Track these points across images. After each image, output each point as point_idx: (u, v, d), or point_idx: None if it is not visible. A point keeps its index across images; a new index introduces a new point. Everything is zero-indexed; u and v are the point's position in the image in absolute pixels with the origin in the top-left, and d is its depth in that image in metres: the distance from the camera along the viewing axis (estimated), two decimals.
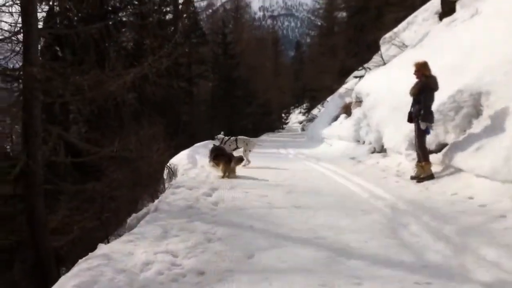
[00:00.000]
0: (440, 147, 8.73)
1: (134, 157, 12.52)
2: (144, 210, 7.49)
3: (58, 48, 23.76)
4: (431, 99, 8.26)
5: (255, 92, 45.34)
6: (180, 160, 12.43)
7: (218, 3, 44.75)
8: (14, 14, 9.82)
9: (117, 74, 10.93)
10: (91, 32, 11.87)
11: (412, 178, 8.49)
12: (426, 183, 7.86)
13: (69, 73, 10.75)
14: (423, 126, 8.20)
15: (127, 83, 10.72)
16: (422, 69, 8.51)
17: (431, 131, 8.40)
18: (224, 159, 9.70)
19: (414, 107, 8.52)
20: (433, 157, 8.47)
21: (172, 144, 15.54)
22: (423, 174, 8.24)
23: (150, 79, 11.64)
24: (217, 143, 12.11)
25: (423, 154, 8.33)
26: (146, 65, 11.06)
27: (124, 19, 28.32)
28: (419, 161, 8.43)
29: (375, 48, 24.06)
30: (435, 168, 8.20)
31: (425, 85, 8.31)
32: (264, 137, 37.59)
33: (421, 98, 8.27)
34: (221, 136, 12.84)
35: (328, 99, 30.52)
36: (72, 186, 11.81)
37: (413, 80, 8.71)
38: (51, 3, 22.89)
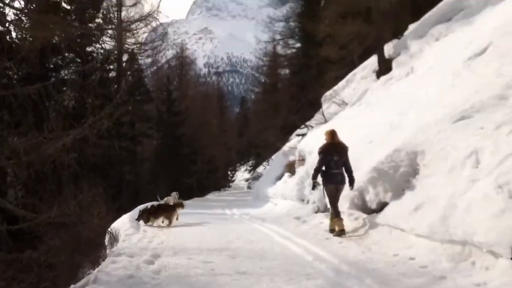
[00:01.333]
0: (381, 206, 8.86)
1: (73, 222, 12.05)
2: (83, 281, 7.12)
3: None
4: (328, 162, 9.51)
5: (200, 149, 45.27)
6: (122, 224, 12.06)
7: (163, 60, 44.96)
8: None
9: (56, 136, 10.63)
10: (30, 93, 11.56)
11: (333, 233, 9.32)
12: (368, 243, 7.92)
13: (5, 135, 10.40)
14: (319, 186, 9.94)
15: (66, 146, 10.44)
16: (326, 136, 9.93)
17: (317, 187, 9.92)
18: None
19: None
20: (374, 217, 8.58)
21: (114, 206, 15.12)
22: (337, 228, 9.16)
23: (91, 140, 11.37)
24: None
25: (333, 210, 9.49)
26: (86, 126, 10.82)
27: (65, 77, 28.04)
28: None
29: (317, 105, 24.68)
30: (377, 228, 8.30)
31: (321, 150, 9.69)
32: (210, 196, 37.31)
33: (317, 161, 9.75)
34: (174, 195, 12.94)
35: (273, 157, 30.82)
36: (7, 255, 11.20)
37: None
38: None
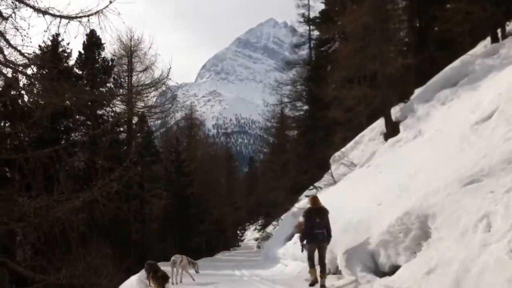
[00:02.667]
0: (394, 269, 8.74)
1: (82, 284, 11.94)
2: None
3: (6, 169, 23.35)
4: (311, 223, 10.97)
5: (209, 209, 45.10)
6: (130, 286, 11.95)
7: (172, 122, 45.63)
8: None
9: (65, 199, 10.70)
10: (41, 157, 11.73)
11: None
12: None
13: (16, 198, 10.49)
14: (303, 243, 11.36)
15: (76, 208, 10.49)
16: (310, 201, 11.72)
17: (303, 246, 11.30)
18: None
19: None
20: (387, 280, 8.45)
21: (122, 267, 14.99)
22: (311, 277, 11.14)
23: (100, 202, 11.43)
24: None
25: (309, 263, 11.25)
26: (96, 189, 10.91)
27: (76, 139, 28.44)
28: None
29: (326, 166, 24.76)
30: None
31: (305, 213, 11.35)
32: (219, 255, 36.83)
33: (303, 223, 11.41)
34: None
35: (282, 217, 30.60)
36: None
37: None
38: (2, 124, 22.88)
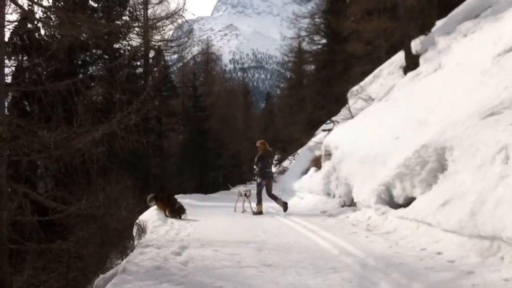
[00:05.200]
0: (408, 201, 8.82)
1: (102, 214, 12.30)
2: (112, 271, 7.29)
3: (26, 103, 23.61)
4: (265, 164, 13.70)
5: (226, 144, 45.51)
6: (149, 216, 12.26)
7: (189, 56, 45.28)
8: None
9: (85, 131, 10.83)
10: (59, 89, 11.78)
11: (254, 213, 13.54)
12: (395, 238, 7.90)
13: (36, 130, 10.64)
14: (258, 180, 13.87)
15: (95, 140, 10.64)
16: (261, 145, 13.87)
17: (262, 182, 13.67)
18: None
19: (257, 169, 13.84)
20: (401, 212, 8.55)
21: (142, 199, 15.33)
22: (257, 211, 13.48)
23: (119, 135, 11.55)
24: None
25: (258, 198, 13.60)
26: (114, 121, 10.99)
27: (93, 73, 28.45)
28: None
29: (343, 101, 24.57)
30: (404, 222, 8.28)
31: (260, 156, 13.67)
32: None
33: (259, 163, 13.62)
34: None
35: (298, 151, 30.79)
36: (38, 245, 11.47)
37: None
38: (20, 57, 22.92)
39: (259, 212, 13.46)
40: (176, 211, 12.38)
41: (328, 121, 24.56)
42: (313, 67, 45.33)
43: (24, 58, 23.09)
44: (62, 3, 14.02)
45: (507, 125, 6.95)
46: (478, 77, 10.08)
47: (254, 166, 14.11)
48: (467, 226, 6.17)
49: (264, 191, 13.83)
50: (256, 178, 14.25)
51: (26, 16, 12.85)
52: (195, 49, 47.99)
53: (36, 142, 10.31)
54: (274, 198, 13.86)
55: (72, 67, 26.17)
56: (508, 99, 7.61)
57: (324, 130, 24.27)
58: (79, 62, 28.36)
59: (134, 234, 11.50)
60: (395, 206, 9.28)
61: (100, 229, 12.72)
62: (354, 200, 11.73)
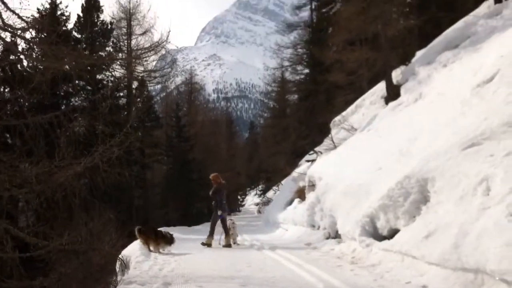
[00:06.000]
0: (393, 233, 8.81)
1: (84, 249, 12.07)
2: None
3: (7, 135, 23.36)
4: (221, 197, 13.78)
5: (210, 174, 45.28)
6: (132, 251, 12.11)
7: (172, 86, 45.40)
8: None
9: (67, 165, 10.72)
10: (41, 122, 11.68)
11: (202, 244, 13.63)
12: (380, 271, 7.86)
13: (17, 164, 10.50)
14: (219, 213, 13.72)
15: (77, 174, 10.54)
16: (215, 179, 14.03)
17: (224, 215, 13.73)
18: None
19: (214, 202, 13.99)
20: (386, 244, 8.54)
21: (125, 233, 15.12)
22: (206, 242, 13.57)
23: (101, 168, 11.46)
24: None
25: (211, 229, 13.74)
26: (97, 154, 10.91)
27: (76, 104, 28.34)
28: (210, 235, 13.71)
29: (326, 131, 24.73)
30: (389, 255, 8.26)
31: (216, 189, 13.76)
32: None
33: (216, 197, 13.75)
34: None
35: (283, 182, 30.82)
36: (18, 283, 11.21)
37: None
38: (1, 89, 22.78)
39: (209, 245, 13.61)
40: (168, 240, 12.43)
41: (312, 152, 24.65)
42: (296, 96, 45.70)
43: (6, 90, 22.95)
44: (45, 34, 14.01)
45: (487, 156, 7.04)
46: (458, 108, 10.23)
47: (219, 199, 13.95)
48: (451, 258, 6.17)
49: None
50: (216, 211, 13.99)
51: (9, 48, 12.81)
52: (179, 79, 48.13)
53: (18, 176, 10.19)
54: (226, 231, 13.83)
55: (55, 98, 26.07)
56: (488, 130, 7.72)
57: (308, 161, 24.33)
58: (62, 94, 28.25)
59: (117, 269, 11.31)
60: (380, 238, 9.27)
61: (82, 265, 12.47)
62: (339, 232, 11.70)
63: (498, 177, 6.41)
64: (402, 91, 17.15)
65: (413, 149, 10.14)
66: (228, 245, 13.42)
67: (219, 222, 13.88)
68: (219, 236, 14.10)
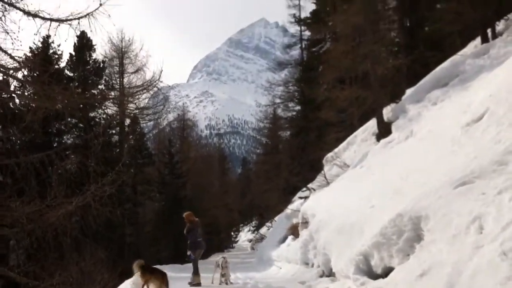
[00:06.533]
0: (387, 271, 8.75)
1: None
2: None
3: None
4: (195, 236, 13.68)
5: (202, 211, 45.00)
6: None
7: (165, 123, 45.51)
8: None
9: (58, 204, 10.69)
10: (33, 161, 11.67)
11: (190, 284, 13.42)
12: None
13: (8, 204, 10.45)
14: (188, 253, 13.86)
15: (68, 213, 10.49)
16: (189, 217, 13.94)
17: (194, 256, 13.60)
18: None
19: (187, 240, 13.79)
20: (380, 283, 8.47)
21: (116, 271, 14.97)
22: (195, 282, 13.33)
23: (93, 207, 11.43)
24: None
25: (194, 268, 13.58)
26: (88, 194, 10.91)
27: (68, 141, 28.29)
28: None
29: (319, 167, 24.79)
30: None
31: (189, 229, 13.66)
32: (213, 257, 36.78)
33: (188, 236, 13.65)
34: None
35: (276, 218, 30.72)
36: None
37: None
38: None
39: (197, 284, 13.42)
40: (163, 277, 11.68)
41: (304, 188, 24.66)
42: (288, 133, 45.93)
43: None
44: (37, 73, 14.07)
45: (479, 195, 7.08)
46: (449, 146, 10.33)
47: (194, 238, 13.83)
48: None
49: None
50: (192, 250, 13.78)
51: (0, 88, 12.87)
52: (171, 116, 48.29)
53: (9, 216, 10.13)
54: (195, 271, 13.72)
55: (47, 137, 26.05)
56: (478, 169, 7.78)
57: (301, 198, 24.31)
58: (54, 131, 28.24)
59: None
60: (374, 276, 9.20)
61: None
62: (333, 270, 11.62)
63: (491, 216, 6.43)
64: (393, 128, 17.30)
65: (406, 186, 10.18)
66: (197, 284, 13.38)
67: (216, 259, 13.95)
68: (212, 274, 13.98)
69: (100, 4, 9.49)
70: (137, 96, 28.70)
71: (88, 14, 9.76)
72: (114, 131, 33.11)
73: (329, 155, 22.84)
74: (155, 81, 26.06)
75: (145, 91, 28.71)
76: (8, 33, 10.36)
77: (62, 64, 29.68)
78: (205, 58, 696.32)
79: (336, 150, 23.02)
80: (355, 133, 22.99)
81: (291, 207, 24.28)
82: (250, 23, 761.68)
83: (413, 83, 18.85)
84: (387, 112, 19.19)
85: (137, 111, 33.86)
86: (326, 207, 14.65)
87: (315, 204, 16.45)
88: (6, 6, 10.27)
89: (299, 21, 39.07)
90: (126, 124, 34.33)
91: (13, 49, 10.59)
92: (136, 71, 33.07)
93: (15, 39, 10.43)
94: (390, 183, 11.24)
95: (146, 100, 35.38)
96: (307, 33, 39.24)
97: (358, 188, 13.73)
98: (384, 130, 18.28)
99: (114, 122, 32.05)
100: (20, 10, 10.01)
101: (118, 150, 32.17)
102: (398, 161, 13.00)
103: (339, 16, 21.88)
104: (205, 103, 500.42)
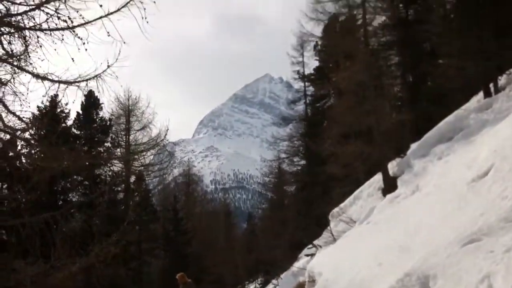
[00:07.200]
0: None
1: None
2: None
3: (3, 231, 23.11)
4: None
5: (207, 268, 44.41)
6: None
7: (170, 178, 45.63)
8: None
9: (63, 264, 10.59)
10: (38, 222, 11.65)
11: None
12: None
13: (13, 265, 10.39)
14: None
15: (73, 274, 10.39)
16: (181, 279, 14.51)
17: None
18: None
19: None
20: None
21: None
22: None
23: (97, 268, 11.31)
24: None
25: None
26: (93, 254, 10.82)
27: (73, 200, 28.31)
28: None
29: (325, 222, 24.58)
30: None
31: None
32: None
33: None
34: None
35: (282, 276, 30.18)
36: None
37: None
38: None
39: None
40: None
41: (311, 245, 24.36)
42: (293, 187, 45.81)
43: (3, 187, 22.98)
44: (43, 132, 14.23)
45: (487, 253, 7.00)
46: (455, 202, 10.28)
47: None
48: None
49: None
50: None
51: (7, 149, 13.01)
52: (176, 171, 48.50)
53: (13, 278, 10.05)
54: None
55: (52, 195, 26.10)
56: (485, 226, 7.72)
57: (307, 255, 23.98)
58: (59, 189, 28.31)
59: None
60: None
61: None
62: None
63: (500, 274, 6.35)
64: (399, 183, 17.27)
65: (413, 244, 10.06)
66: None
67: None
68: None
69: (108, 66, 9.70)
70: (143, 154, 28.93)
71: (96, 76, 9.96)
72: (119, 188, 33.14)
73: (335, 210, 22.69)
74: (161, 141, 26.33)
75: (150, 147, 28.95)
76: (17, 95, 10.56)
77: (69, 122, 30.06)
78: (210, 114, 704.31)
79: (342, 205, 22.89)
80: (361, 188, 22.92)
81: (297, 264, 23.91)
82: (255, 78, 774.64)
83: (418, 138, 18.95)
84: (392, 166, 19.22)
85: (142, 168, 34.06)
86: (333, 265, 14.42)
87: (322, 261, 16.20)
88: (16, 69, 10.52)
89: (303, 77, 39.78)
90: (131, 181, 34.41)
91: (21, 110, 10.77)
92: (142, 128, 33.40)
93: (23, 100, 10.62)
94: (397, 240, 11.11)
95: (152, 157, 35.65)
96: (311, 89, 39.89)
97: (365, 245, 13.57)
98: (390, 185, 18.25)
99: (120, 179, 32.16)
100: (29, 73, 10.23)
101: (123, 207, 32.10)
102: (405, 217, 12.89)
103: (342, 73, 22.25)
104: (210, 158, 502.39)
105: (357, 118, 20.27)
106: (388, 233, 12.58)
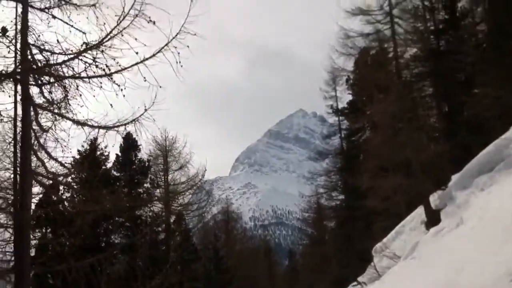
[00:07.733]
0: None
1: None
2: None
3: (49, 275, 23.54)
4: None
5: None
6: None
7: (209, 216, 45.79)
8: None
9: None
10: (84, 266, 11.90)
11: None
12: None
13: None
14: None
15: None
16: None
17: None
18: None
19: None
20: None
21: None
22: None
23: None
24: None
25: None
26: None
27: (116, 241, 28.68)
28: None
29: (367, 258, 24.14)
30: None
31: None
32: None
33: None
34: None
35: None
36: None
37: None
38: (44, 230, 23.33)
39: None
40: None
41: (355, 283, 23.91)
42: (333, 222, 45.28)
43: (48, 231, 23.52)
44: (84, 175, 14.59)
45: None
46: (500, 235, 10.03)
47: None
48: None
49: None
50: None
51: (50, 194, 13.40)
52: (215, 209, 48.63)
53: None
54: None
55: (95, 238, 26.53)
56: None
57: None
58: (101, 231, 28.76)
59: None
60: None
61: None
62: None
63: None
64: (442, 216, 16.92)
65: (460, 280, 9.82)
66: None
67: None
68: None
69: (145, 110, 10.02)
70: (181, 193, 29.22)
71: (134, 120, 10.28)
72: (160, 229, 33.40)
73: (378, 245, 22.28)
74: (199, 181, 26.57)
75: (190, 188, 29.24)
76: (58, 141, 10.91)
77: (109, 164, 30.71)
78: (246, 151, 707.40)
79: (384, 240, 22.48)
80: (402, 222, 22.52)
81: None
82: (288, 114, 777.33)
83: (457, 169, 18.59)
84: (434, 199, 18.86)
85: (181, 207, 34.33)
86: None
87: None
88: (56, 116, 10.89)
89: (336, 111, 39.86)
90: (171, 221, 34.67)
91: (63, 156, 11.10)
92: (180, 168, 33.73)
93: (65, 146, 10.96)
94: (444, 276, 10.85)
95: (190, 196, 35.93)
96: (345, 122, 39.84)
97: (411, 282, 13.29)
98: (433, 218, 17.88)
99: (160, 220, 32.46)
100: (70, 119, 10.61)
101: (164, 247, 32.29)
102: (450, 252, 12.60)
103: (376, 106, 22.22)
104: (248, 195, 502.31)
105: (393, 150, 20.10)
106: (434, 269, 12.31)
